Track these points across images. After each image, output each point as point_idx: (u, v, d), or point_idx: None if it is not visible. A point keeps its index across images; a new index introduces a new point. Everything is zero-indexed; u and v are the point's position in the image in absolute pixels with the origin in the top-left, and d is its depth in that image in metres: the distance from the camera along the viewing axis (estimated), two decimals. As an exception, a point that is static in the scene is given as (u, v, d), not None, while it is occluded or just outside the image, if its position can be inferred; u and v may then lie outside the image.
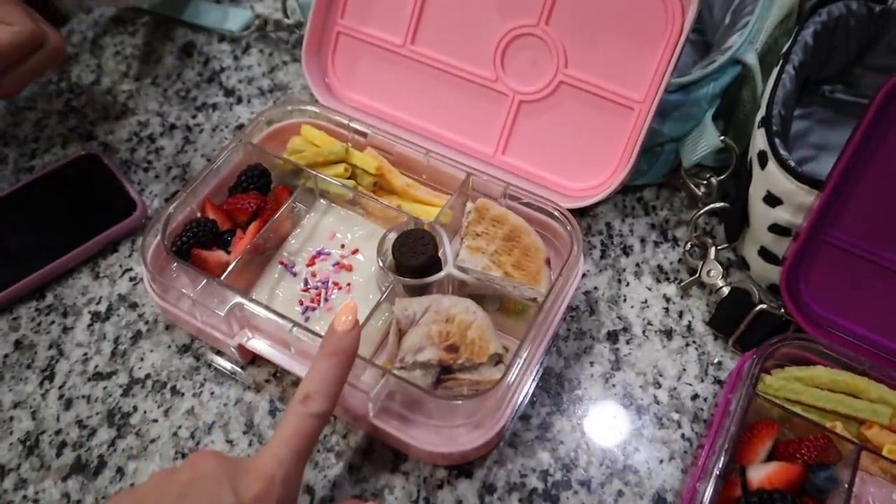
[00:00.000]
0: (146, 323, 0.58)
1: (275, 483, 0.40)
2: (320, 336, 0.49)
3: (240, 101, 0.71)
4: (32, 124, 0.69)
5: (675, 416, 0.54)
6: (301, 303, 0.56)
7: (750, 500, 0.46)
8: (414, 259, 0.54)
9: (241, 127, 0.69)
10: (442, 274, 0.54)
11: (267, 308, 0.51)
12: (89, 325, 0.58)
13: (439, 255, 0.55)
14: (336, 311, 0.55)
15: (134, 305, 0.59)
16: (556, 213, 0.57)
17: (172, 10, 0.76)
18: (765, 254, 0.58)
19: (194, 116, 0.70)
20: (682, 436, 0.53)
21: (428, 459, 0.51)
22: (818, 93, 0.71)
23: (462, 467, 0.52)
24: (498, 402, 0.49)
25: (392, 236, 0.55)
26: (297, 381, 0.55)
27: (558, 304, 0.54)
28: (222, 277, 0.53)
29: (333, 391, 0.43)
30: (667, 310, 0.59)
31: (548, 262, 0.56)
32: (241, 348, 0.53)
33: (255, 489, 0.40)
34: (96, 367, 0.56)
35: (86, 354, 0.56)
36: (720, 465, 0.47)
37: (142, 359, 0.56)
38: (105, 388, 0.55)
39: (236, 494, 0.39)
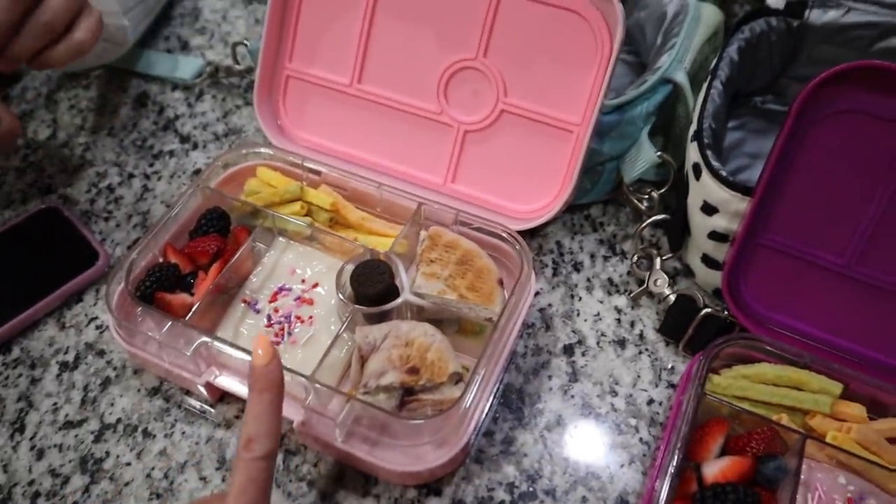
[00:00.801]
0: (114, 369, 0.59)
1: None
2: (288, 369, 0.51)
3: (195, 146, 0.73)
4: (-9, 182, 0.71)
5: (633, 422, 0.56)
6: (265, 338, 0.57)
7: (705, 495, 0.48)
8: (371, 288, 0.56)
9: (198, 172, 0.71)
10: (399, 300, 0.56)
11: (232, 345, 0.53)
12: (58, 375, 0.59)
13: (396, 283, 0.57)
14: (300, 344, 0.57)
15: (101, 353, 0.60)
16: (504, 236, 0.59)
17: (125, 61, 0.78)
18: (707, 260, 0.61)
19: (152, 164, 0.72)
20: (641, 440, 0.56)
21: (397, 480, 0.53)
22: (749, 104, 0.75)
23: (431, 486, 0.53)
24: (460, 419, 0.51)
25: (349, 268, 0.57)
26: (265, 415, 0.56)
27: (513, 322, 0.56)
28: (187, 318, 0.55)
29: (273, 429, 0.44)
30: (619, 321, 0.62)
31: (500, 282, 0.58)
32: (210, 386, 0.55)
33: None
34: (66, 415, 0.57)
35: (55, 404, 0.57)
36: (674, 464, 0.49)
37: (112, 404, 0.57)
38: (76, 435, 0.56)
39: None
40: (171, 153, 0.73)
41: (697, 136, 0.60)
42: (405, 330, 0.54)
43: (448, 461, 0.51)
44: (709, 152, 0.58)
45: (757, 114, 0.74)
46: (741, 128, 0.73)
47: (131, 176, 0.71)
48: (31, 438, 0.56)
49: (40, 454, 0.55)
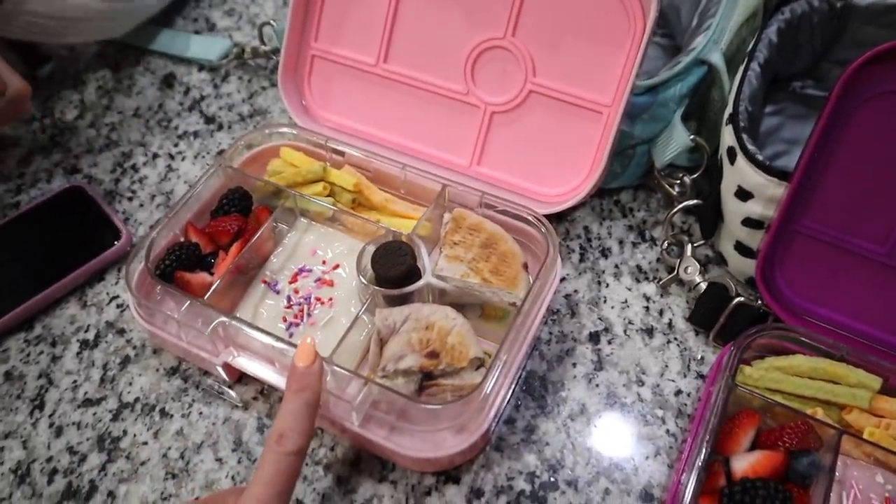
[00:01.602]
0: (134, 348, 0.59)
1: None
2: (293, 345, 0.50)
3: (220, 127, 0.73)
4: (17, 161, 0.71)
5: (660, 413, 0.55)
6: (285, 319, 0.56)
7: (733, 490, 0.46)
8: (392, 270, 0.55)
9: (222, 153, 0.70)
10: (421, 283, 0.55)
11: (250, 325, 0.52)
12: (78, 353, 0.59)
13: (418, 265, 0.56)
14: (319, 325, 0.56)
15: (122, 332, 0.60)
16: (531, 219, 0.57)
17: (152, 42, 0.78)
18: (740, 248, 0.59)
19: (176, 145, 0.71)
20: (667, 431, 0.54)
21: (415, 466, 0.52)
22: (788, 89, 0.72)
23: (449, 473, 0.52)
24: (480, 405, 0.50)
25: (370, 249, 0.56)
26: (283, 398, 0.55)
27: (537, 307, 0.54)
28: (205, 298, 0.54)
29: (306, 427, 0.44)
30: (647, 308, 0.60)
31: (525, 266, 0.57)
32: (227, 367, 0.54)
33: None
34: (86, 393, 0.57)
35: (75, 382, 0.57)
36: (702, 457, 0.47)
37: (130, 383, 0.57)
38: (95, 413, 0.55)
39: None
40: (196, 134, 0.72)
41: (733, 119, 0.57)
42: (426, 313, 0.53)
43: (467, 448, 0.50)
44: (744, 135, 0.56)
45: (796, 99, 0.71)
46: (779, 113, 0.70)
47: (156, 156, 0.71)
48: (51, 416, 0.56)
49: (59, 431, 0.55)
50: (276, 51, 0.74)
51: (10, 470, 0.53)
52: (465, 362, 0.51)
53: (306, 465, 0.52)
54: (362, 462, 0.53)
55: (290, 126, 0.65)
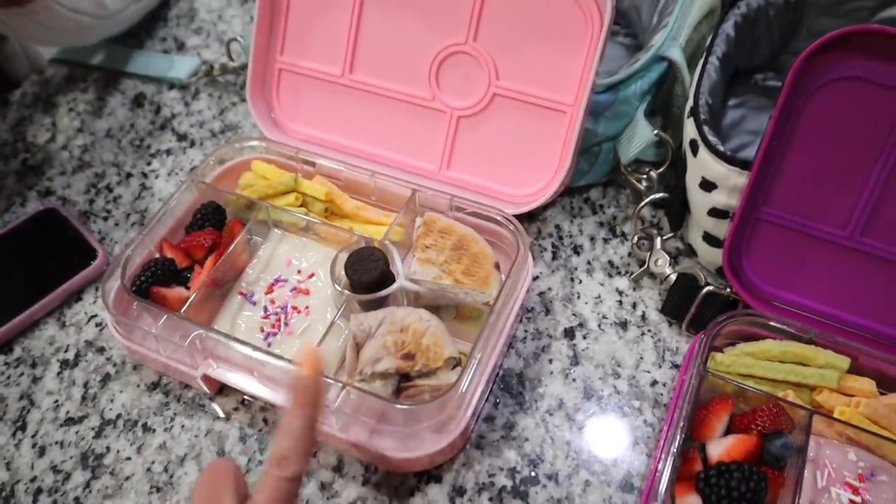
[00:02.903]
0: (114, 365, 0.59)
1: None
2: (283, 359, 0.51)
3: (192, 144, 0.73)
4: (-9, 186, 0.71)
5: (636, 404, 0.55)
6: (262, 329, 0.57)
7: (709, 474, 0.47)
8: (366, 275, 0.55)
9: (194, 168, 0.71)
10: (394, 287, 0.56)
11: (227, 336, 0.53)
12: (59, 373, 0.59)
13: (391, 270, 0.57)
14: (297, 334, 0.57)
15: (101, 350, 0.60)
16: (500, 219, 0.58)
17: (122, 63, 0.78)
18: (708, 238, 0.60)
19: (149, 163, 0.72)
20: (645, 422, 0.55)
21: (396, 467, 0.52)
22: (750, 82, 0.73)
23: (431, 473, 0.53)
24: (457, 404, 0.50)
25: (343, 256, 0.57)
26: (264, 407, 0.56)
27: (510, 306, 0.55)
28: (182, 311, 0.55)
29: (309, 448, 0.41)
30: (620, 302, 0.61)
31: (497, 266, 0.58)
32: (207, 378, 0.55)
33: None
34: (67, 412, 0.57)
35: (56, 401, 0.57)
36: (676, 444, 0.48)
37: (112, 400, 0.57)
38: (77, 431, 0.56)
39: None
40: (169, 151, 0.73)
41: (693, 112, 0.59)
42: (400, 316, 0.54)
43: (447, 447, 0.50)
44: (705, 128, 0.57)
45: (758, 91, 0.73)
46: (742, 105, 0.72)
47: (129, 175, 0.71)
48: (33, 436, 0.56)
49: (42, 451, 0.55)
50: (244, 66, 0.75)
51: (-6, 493, 0.53)
52: (440, 362, 0.52)
53: (289, 472, 0.53)
54: (345, 466, 0.53)
55: (260, 139, 0.66)
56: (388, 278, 0.56)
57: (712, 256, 0.60)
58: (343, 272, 0.56)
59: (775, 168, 0.54)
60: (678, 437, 0.48)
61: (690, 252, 0.63)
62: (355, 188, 0.64)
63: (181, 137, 0.74)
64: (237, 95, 0.76)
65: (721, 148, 0.56)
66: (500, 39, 0.60)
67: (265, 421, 0.55)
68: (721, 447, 0.49)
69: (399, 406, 0.50)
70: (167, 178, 0.71)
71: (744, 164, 0.55)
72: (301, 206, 0.63)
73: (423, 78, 0.63)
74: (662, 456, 0.48)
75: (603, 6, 0.57)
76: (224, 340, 0.52)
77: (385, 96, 0.65)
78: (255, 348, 0.52)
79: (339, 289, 0.56)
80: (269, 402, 0.53)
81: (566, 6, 0.58)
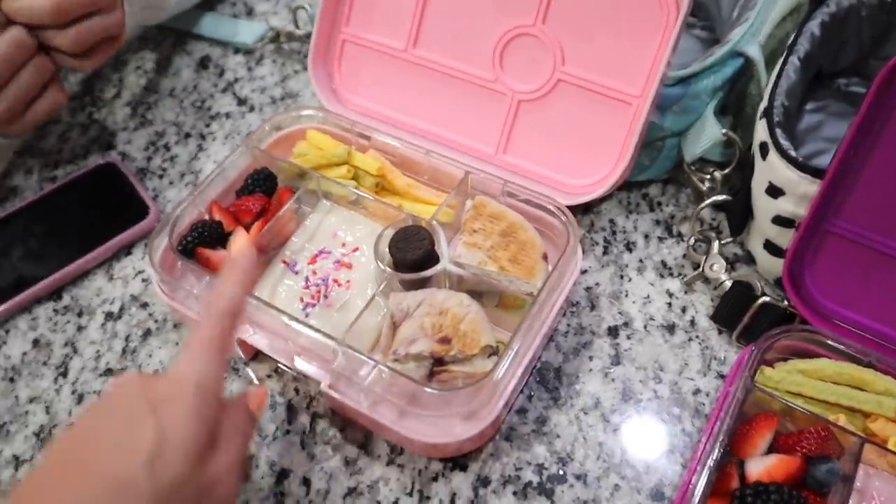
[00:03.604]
0: (156, 322, 0.60)
1: (187, 384, 0.38)
2: (319, 331, 0.50)
3: (252, 109, 0.73)
4: (56, 136, 0.73)
5: (676, 411, 0.53)
6: (301, 300, 0.57)
7: (745, 493, 0.45)
8: (410, 254, 0.55)
9: (251, 134, 0.71)
10: (437, 268, 0.55)
11: (266, 304, 0.52)
12: (102, 325, 0.60)
13: (436, 251, 0.56)
14: (335, 307, 0.56)
15: (145, 305, 0.61)
16: (553, 209, 0.57)
17: (191, 25, 0.79)
18: (769, 246, 0.57)
19: (208, 125, 0.72)
20: (683, 430, 0.52)
21: (423, 451, 0.51)
22: (832, 86, 0.70)
23: (457, 460, 0.52)
24: (490, 393, 0.49)
25: (389, 233, 0.56)
26: (297, 377, 0.56)
27: (554, 298, 0.54)
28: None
29: (238, 292, 0.43)
30: (670, 305, 0.58)
31: (545, 257, 0.56)
32: (243, 343, 0.55)
33: (166, 391, 0.38)
34: (107, 363, 0.58)
35: (98, 352, 0.58)
36: (714, 457, 0.46)
37: (150, 355, 0.58)
38: (114, 383, 0.57)
39: (150, 401, 0.37)
40: (228, 115, 0.73)
41: (767, 113, 0.56)
42: (440, 299, 0.53)
43: (476, 435, 0.49)
44: (778, 130, 0.54)
45: (839, 97, 0.69)
46: (821, 110, 0.68)
47: (188, 136, 0.72)
48: (73, 383, 0.57)
49: (80, 398, 0.56)
50: (309, 35, 0.74)
51: (34, 433, 0.55)
52: (476, 349, 0.50)
53: (314, 443, 0.53)
54: (370, 444, 0.53)
55: (318, 109, 0.65)
56: (432, 259, 0.55)
57: (772, 266, 0.57)
58: (387, 249, 0.55)
59: (851, 179, 0.51)
60: (717, 450, 0.46)
61: (748, 259, 0.60)
62: (408, 165, 0.63)
63: (241, 102, 0.74)
64: (300, 63, 0.76)
65: (793, 153, 0.53)
66: (570, 23, 0.58)
67: (296, 391, 0.55)
68: (761, 466, 0.47)
69: (431, 390, 0.49)
70: (224, 140, 0.71)
71: (816, 172, 0.52)
72: (352, 178, 0.62)
73: (486, 58, 0.61)
74: (698, 468, 0.46)
75: (680, -4, 0.54)
76: (263, 307, 0.52)
77: (446, 74, 0.63)
78: (293, 318, 0.51)
79: (382, 266, 0.55)
80: (303, 373, 0.53)
81: (642, -6, 0.55)
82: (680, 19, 0.54)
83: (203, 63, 0.78)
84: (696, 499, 0.45)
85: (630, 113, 0.58)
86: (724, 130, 0.59)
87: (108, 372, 0.57)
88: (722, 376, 0.55)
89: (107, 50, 0.63)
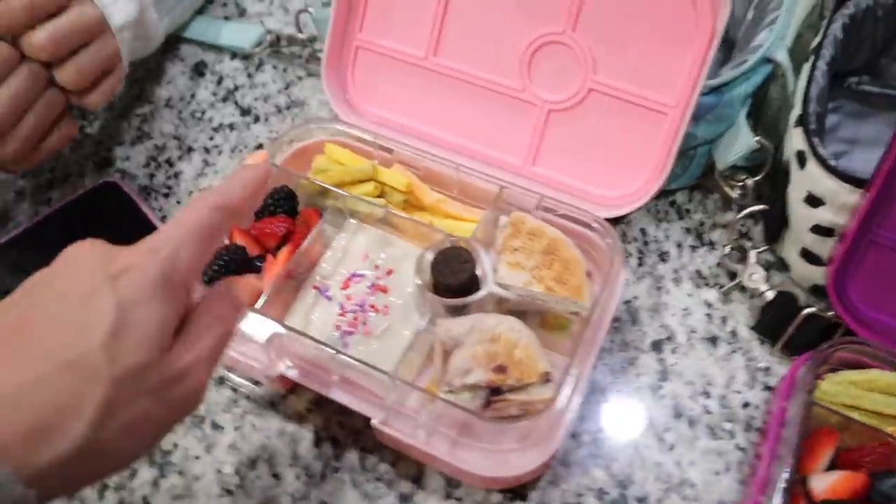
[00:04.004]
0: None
1: (154, 258, 0.34)
2: (363, 363, 0.48)
3: (257, 119, 0.70)
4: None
5: (728, 426, 0.53)
6: (338, 327, 0.54)
7: (816, 512, 0.45)
8: (453, 278, 0.53)
9: (260, 146, 0.68)
10: (483, 292, 0.53)
11: (310, 337, 0.50)
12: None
13: (477, 272, 0.54)
14: (375, 335, 0.54)
15: (165, 338, 0.57)
16: (593, 224, 0.55)
17: (181, 28, 0.74)
18: (807, 255, 0.57)
19: (212, 138, 0.68)
20: (737, 446, 0.52)
21: (480, 485, 0.50)
22: (844, 86, 0.70)
23: (516, 490, 0.51)
24: (551, 423, 0.48)
25: (429, 256, 0.54)
26: (340, 409, 0.53)
27: (605, 318, 0.53)
28: (258, 306, 0.52)
29: (237, 193, 0.39)
30: (709, 316, 0.58)
31: (588, 274, 0.55)
32: (282, 378, 0.52)
33: (129, 262, 0.34)
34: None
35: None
36: (786, 478, 0.45)
37: (177, 393, 0.55)
38: (142, 425, 0.53)
39: (109, 273, 0.33)
40: (232, 126, 0.69)
41: (803, 121, 0.55)
42: (491, 325, 0.51)
43: (537, 468, 0.48)
44: (816, 140, 0.54)
45: (852, 96, 0.69)
46: (836, 111, 0.68)
47: (191, 150, 0.68)
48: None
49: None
50: (312, 39, 0.71)
51: (55, 484, 0.51)
52: (534, 377, 0.49)
53: (366, 480, 0.51)
54: (425, 478, 0.51)
55: (334, 121, 0.62)
56: (474, 281, 0.53)
57: (809, 274, 0.58)
58: (428, 272, 0.53)
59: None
60: (786, 471, 0.46)
61: (781, 266, 0.60)
62: (436, 180, 0.60)
63: (245, 111, 0.70)
64: (303, 69, 0.72)
65: (833, 163, 0.53)
66: (602, 31, 0.57)
67: (340, 425, 0.53)
68: (825, 483, 0.47)
69: (489, 422, 0.47)
70: (230, 154, 0.67)
71: (858, 182, 0.52)
72: (379, 195, 0.59)
73: (514, 67, 0.59)
74: (767, 489, 0.46)
75: (717, 4, 0.53)
76: (305, 341, 0.50)
77: (471, 83, 0.61)
78: (338, 351, 0.49)
79: (425, 290, 0.53)
80: (347, 406, 0.51)
81: (677, 1, 0.54)
82: (718, 28, 0.53)
83: (198, 69, 0.73)
84: (772, 522, 0.44)
85: (665, 123, 0.57)
86: (756, 138, 0.58)
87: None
88: (768, 388, 0.55)
89: (111, 82, 0.60)
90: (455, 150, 0.62)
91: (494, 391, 0.49)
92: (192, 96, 0.71)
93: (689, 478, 0.51)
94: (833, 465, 0.48)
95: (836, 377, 0.52)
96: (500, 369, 0.49)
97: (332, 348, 0.49)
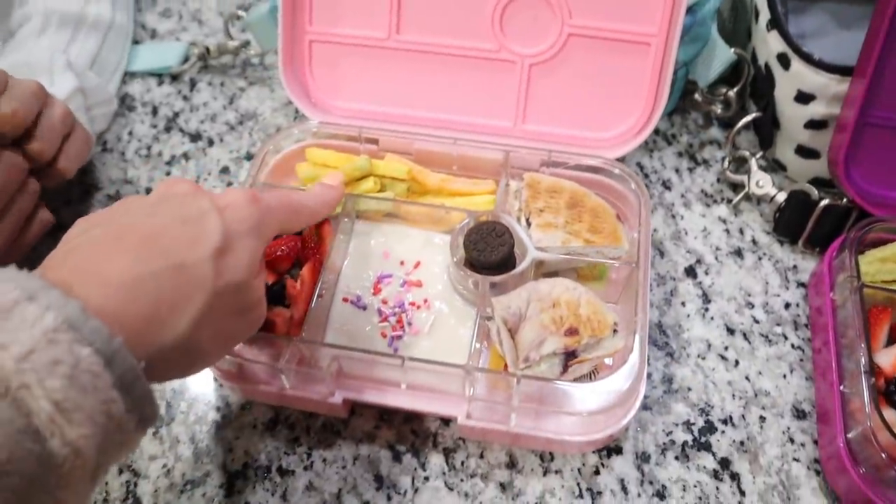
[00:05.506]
0: (217, 410, 0.52)
1: (256, 203, 0.39)
2: (436, 363, 0.46)
3: (211, 143, 0.64)
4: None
5: (779, 330, 0.54)
6: (384, 335, 0.51)
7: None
8: (494, 254, 0.51)
9: (225, 170, 0.62)
10: (528, 260, 0.51)
11: (368, 352, 0.47)
12: (155, 433, 0.51)
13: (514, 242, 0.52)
14: (425, 332, 0.51)
15: (195, 396, 0.52)
16: (607, 168, 0.55)
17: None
18: (802, 151, 0.59)
19: (168, 173, 0.62)
20: (792, 346, 0.54)
21: (575, 450, 0.49)
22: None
23: (609, 446, 0.50)
24: (633, 371, 0.47)
25: (460, 237, 0.52)
26: (409, 417, 0.51)
27: (646, 255, 0.52)
28: (303, 335, 0.48)
29: (319, 207, 0.47)
30: (727, 231, 0.59)
31: (618, 217, 0.54)
32: (345, 403, 0.49)
33: (230, 198, 0.38)
34: (183, 475, 0.49)
35: (165, 466, 0.50)
36: (864, 361, 0.47)
37: (230, 450, 0.50)
38: (204, 494, 0.48)
39: (213, 201, 0.37)
40: (186, 155, 0.63)
41: (776, 23, 0.57)
42: (546, 290, 0.49)
43: (628, 421, 0.47)
44: (798, 40, 0.56)
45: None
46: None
47: (149, 191, 0.62)
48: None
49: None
50: (245, 44, 0.66)
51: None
52: (607, 330, 0.48)
53: (461, 480, 0.48)
54: (518, 461, 0.49)
55: (309, 124, 0.58)
56: (512, 253, 0.52)
57: (807, 169, 0.60)
58: (462, 252, 0.51)
59: (891, 70, 0.53)
60: (861, 357, 0.47)
61: (776, 167, 0.62)
62: (431, 159, 0.58)
63: (194, 137, 0.64)
64: (242, 79, 0.67)
65: (818, 57, 0.54)
66: (568, -27, 0.55)
67: (414, 433, 0.50)
68: (892, 357, 0.49)
69: (573, 386, 0.46)
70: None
71: (846, 71, 0.53)
72: (380, 190, 0.56)
73: (485, 27, 0.57)
74: (844, 380, 0.48)
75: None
76: (366, 357, 0.47)
77: (442, 54, 0.58)
78: (407, 359, 0.46)
79: (470, 273, 0.51)
80: (415, 412, 0.49)
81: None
82: (685, -53, 0.53)
83: (127, 103, 0.66)
84: (868, 406, 0.45)
85: (650, 53, 0.56)
86: (733, 50, 0.59)
87: (190, 484, 0.49)
88: (802, 284, 0.56)
89: (76, 145, 0.56)
90: (440, 127, 0.60)
91: (570, 355, 0.48)
92: (130, 133, 0.64)
93: (761, 387, 0.52)
94: (891, 341, 0.50)
95: (863, 258, 0.54)
96: (572, 331, 0.48)
97: (399, 357, 0.46)
